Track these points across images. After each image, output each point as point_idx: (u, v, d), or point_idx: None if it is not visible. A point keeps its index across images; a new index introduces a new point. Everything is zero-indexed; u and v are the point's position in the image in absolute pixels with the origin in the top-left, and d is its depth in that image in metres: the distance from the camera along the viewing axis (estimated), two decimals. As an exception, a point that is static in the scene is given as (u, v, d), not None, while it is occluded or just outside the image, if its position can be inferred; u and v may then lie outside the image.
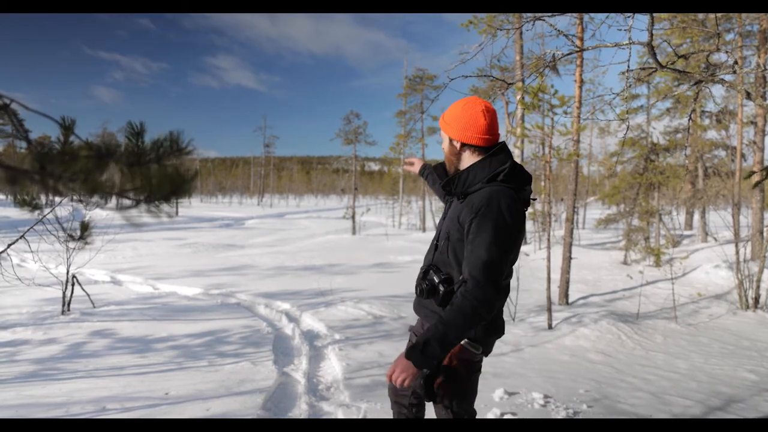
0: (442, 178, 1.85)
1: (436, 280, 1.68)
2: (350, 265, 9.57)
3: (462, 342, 1.66)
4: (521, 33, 11.36)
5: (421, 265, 1.92)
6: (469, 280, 1.53)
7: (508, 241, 1.56)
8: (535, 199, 1.80)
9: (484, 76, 4.44)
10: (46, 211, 4.27)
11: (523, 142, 12.63)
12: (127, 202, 0.66)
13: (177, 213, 28.77)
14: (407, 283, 6.76)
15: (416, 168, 2.37)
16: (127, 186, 0.66)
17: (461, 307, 1.51)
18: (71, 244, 5.51)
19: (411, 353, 1.56)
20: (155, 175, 0.67)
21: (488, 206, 1.57)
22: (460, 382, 1.72)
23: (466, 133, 1.70)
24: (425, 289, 1.71)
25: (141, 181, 0.67)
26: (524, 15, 4.22)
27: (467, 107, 1.71)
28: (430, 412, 2.60)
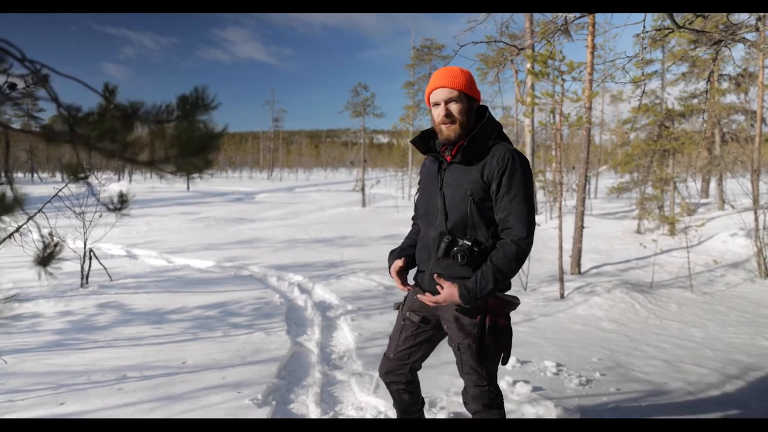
0: (424, 151, 1.89)
1: (469, 244, 1.70)
2: (361, 237, 9.60)
3: (502, 296, 1.73)
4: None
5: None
6: (516, 230, 1.65)
7: (533, 195, 1.72)
8: None
9: (494, 41, 4.29)
10: (63, 185, 4.31)
11: (533, 111, 12.34)
12: (158, 156, 0.67)
13: (188, 188, 28.97)
14: (418, 255, 6.76)
15: (398, 265, 1.96)
16: (156, 143, 0.66)
17: (516, 254, 1.64)
18: (87, 218, 5.58)
19: (468, 296, 1.65)
20: (184, 132, 0.67)
21: (513, 161, 1.69)
22: (506, 337, 1.76)
23: (479, 94, 1.82)
24: (463, 254, 1.69)
25: (170, 138, 0.67)
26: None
27: (467, 71, 1.79)
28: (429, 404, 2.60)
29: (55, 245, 0.89)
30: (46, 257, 0.89)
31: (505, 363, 1.79)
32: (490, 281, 1.63)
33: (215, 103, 0.69)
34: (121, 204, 0.85)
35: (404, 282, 1.98)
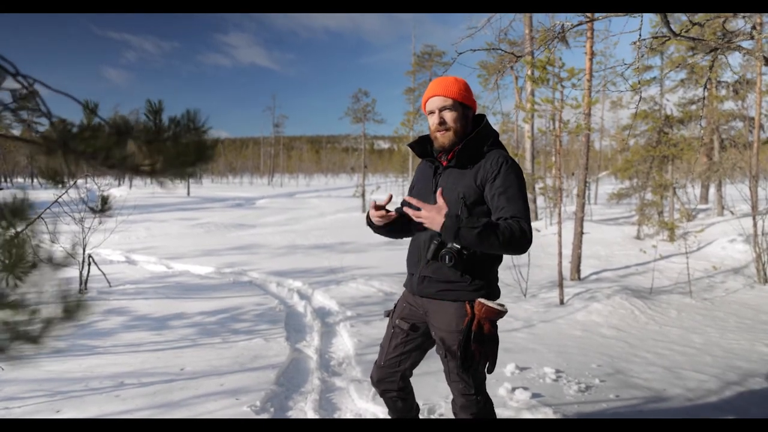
0: (420, 154, 1.92)
1: (458, 247, 1.69)
2: (361, 243, 9.59)
3: (489, 303, 1.71)
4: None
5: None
6: (519, 218, 1.64)
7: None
8: None
9: (493, 49, 4.31)
10: (63, 191, 4.31)
11: (532, 117, 12.37)
12: (156, 167, 0.69)
13: (189, 193, 28.99)
14: (418, 260, 6.74)
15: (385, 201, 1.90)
16: (146, 162, 0.68)
17: (521, 235, 1.58)
18: (87, 224, 5.59)
19: (450, 223, 1.56)
20: (175, 149, 0.68)
21: (506, 165, 1.73)
22: (492, 344, 1.75)
23: (475, 103, 1.86)
24: (451, 256, 1.68)
25: (162, 155, 0.69)
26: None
27: (461, 80, 1.83)
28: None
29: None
30: (12, 263, 0.88)
31: (490, 371, 1.76)
32: (481, 225, 1.54)
33: (206, 127, 0.70)
34: (102, 207, 0.87)
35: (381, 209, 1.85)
